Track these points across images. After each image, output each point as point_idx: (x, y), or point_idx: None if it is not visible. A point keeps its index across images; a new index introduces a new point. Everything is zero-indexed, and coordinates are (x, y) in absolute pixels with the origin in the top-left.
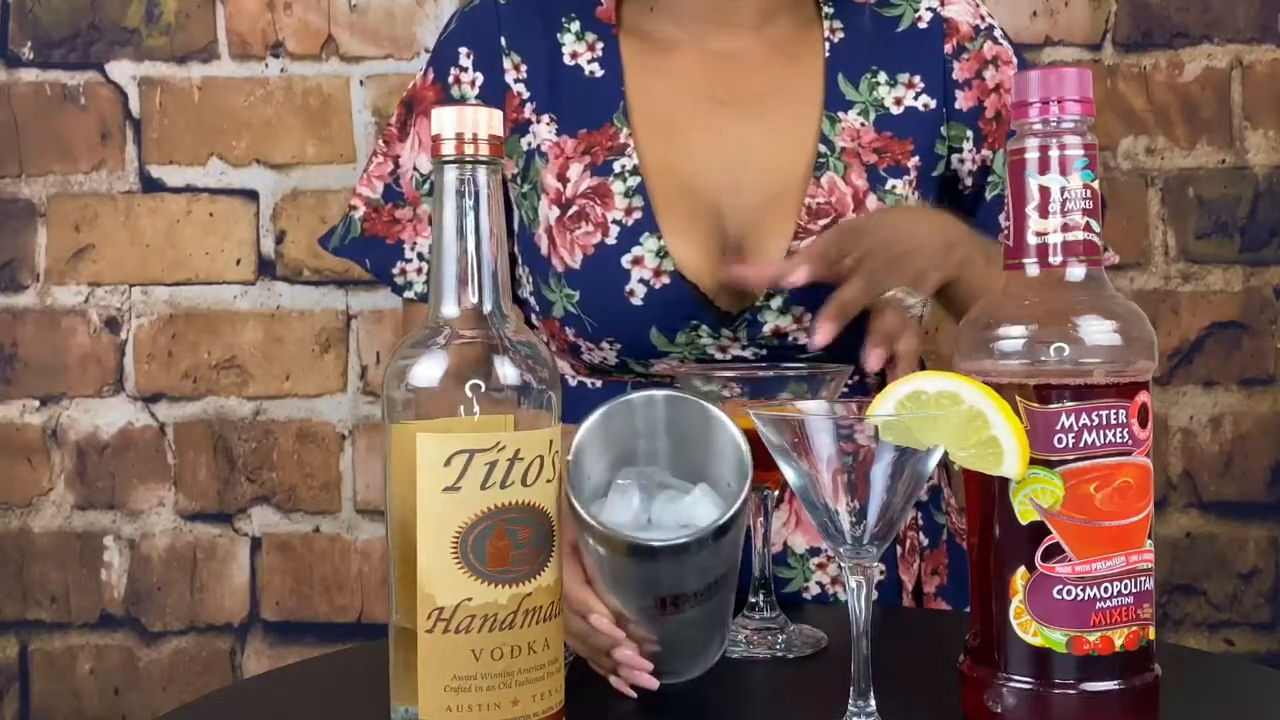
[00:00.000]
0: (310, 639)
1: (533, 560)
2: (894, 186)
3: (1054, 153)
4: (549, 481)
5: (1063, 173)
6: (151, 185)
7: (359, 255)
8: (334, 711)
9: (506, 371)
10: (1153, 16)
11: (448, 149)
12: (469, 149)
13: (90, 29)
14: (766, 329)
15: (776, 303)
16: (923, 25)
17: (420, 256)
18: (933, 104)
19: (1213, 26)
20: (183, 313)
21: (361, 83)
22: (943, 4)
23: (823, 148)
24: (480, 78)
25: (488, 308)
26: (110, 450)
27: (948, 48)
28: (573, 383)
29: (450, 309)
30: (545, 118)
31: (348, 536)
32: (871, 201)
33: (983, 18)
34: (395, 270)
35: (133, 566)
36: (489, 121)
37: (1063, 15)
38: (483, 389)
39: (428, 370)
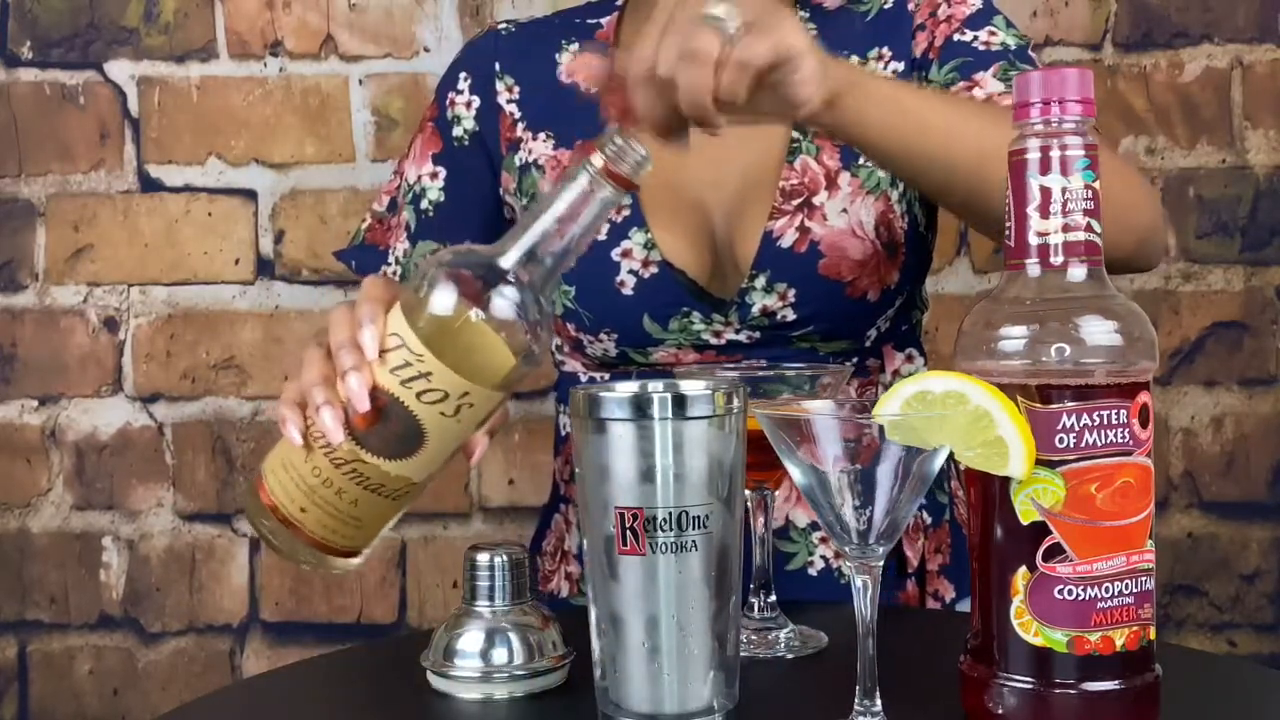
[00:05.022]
0: (310, 639)
1: (388, 448)
2: (866, 161)
3: (1055, 153)
4: (445, 415)
5: (1064, 173)
6: (150, 185)
7: (349, 259)
8: (334, 711)
9: (501, 305)
10: (1153, 16)
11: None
12: (617, 167)
13: (89, 28)
14: (755, 309)
15: (760, 282)
16: (888, 5)
17: (397, 260)
18: (900, 67)
19: (1213, 26)
20: (181, 313)
21: (360, 82)
22: None
23: (796, 133)
24: (477, 100)
25: (537, 285)
26: (109, 450)
27: (910, 5)
28: (584, 378)
29: (511, 259)
30: (543, 134)
31: None
32: (844, 179)
33: None
34: (378, 272)
35: (131, 567)
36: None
37: (1063, 15)
38: (471, 312)
39: (445, 279)
